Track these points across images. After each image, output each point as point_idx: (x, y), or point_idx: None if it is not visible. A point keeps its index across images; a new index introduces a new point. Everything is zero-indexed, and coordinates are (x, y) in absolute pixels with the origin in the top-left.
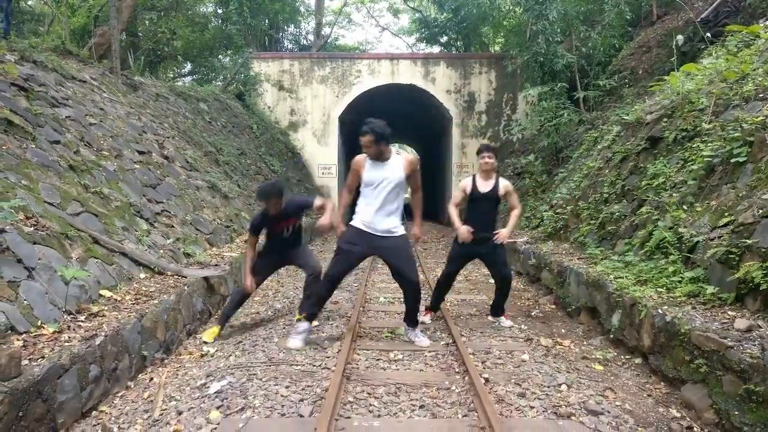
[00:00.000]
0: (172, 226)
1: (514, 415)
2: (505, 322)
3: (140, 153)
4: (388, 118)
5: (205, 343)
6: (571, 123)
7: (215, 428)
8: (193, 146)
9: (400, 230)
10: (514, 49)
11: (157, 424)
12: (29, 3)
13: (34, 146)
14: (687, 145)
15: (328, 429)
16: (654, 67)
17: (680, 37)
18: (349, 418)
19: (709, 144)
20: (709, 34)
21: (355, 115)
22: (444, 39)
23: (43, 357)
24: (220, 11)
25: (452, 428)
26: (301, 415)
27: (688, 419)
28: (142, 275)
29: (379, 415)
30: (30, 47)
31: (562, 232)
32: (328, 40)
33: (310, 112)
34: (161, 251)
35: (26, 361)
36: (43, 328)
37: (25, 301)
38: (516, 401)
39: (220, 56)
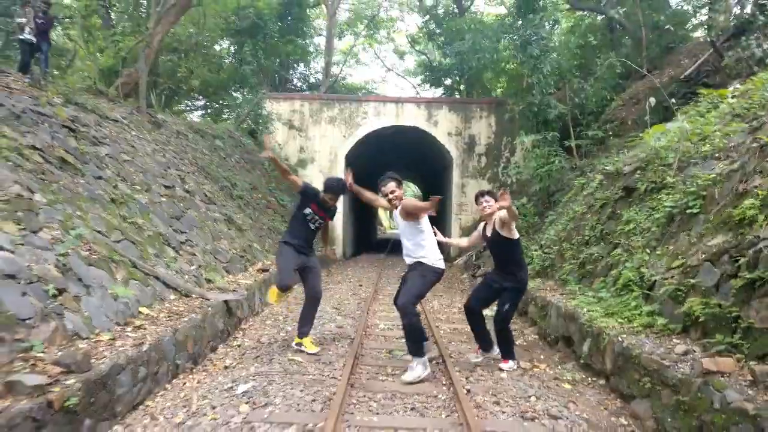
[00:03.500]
0: (195, 255)
1: (488, 417)
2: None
3: (166, 187)
4: (392, 157)
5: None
6: (563, 169)
7: (245, 417)
8: (210, 181)
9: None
10: (512, 97)
11: (196, 414)
12: (52, 37)
13: (83, 181)
14: (655, 196)
15: (336, 421)
16: (642, 118)
17: (652, 99)
18: (352, 414)
19: (670, 196)
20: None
21: (361, 154)
22: (448, 82)
23: (104, 357)
24: (233, 49)
25: (437, 424)
26: (314, 411)
27: (633, 426)
28: (172, 296)
29: (377, 413)
30: (67, 87)
31: (549, 270)
32: (336, 80)
33: (318, 150)
34: (186, 276)
35: (93, 360)
36: (100, 335)
37: (86, 313)
38: (491, 407)
39: (234, 93)
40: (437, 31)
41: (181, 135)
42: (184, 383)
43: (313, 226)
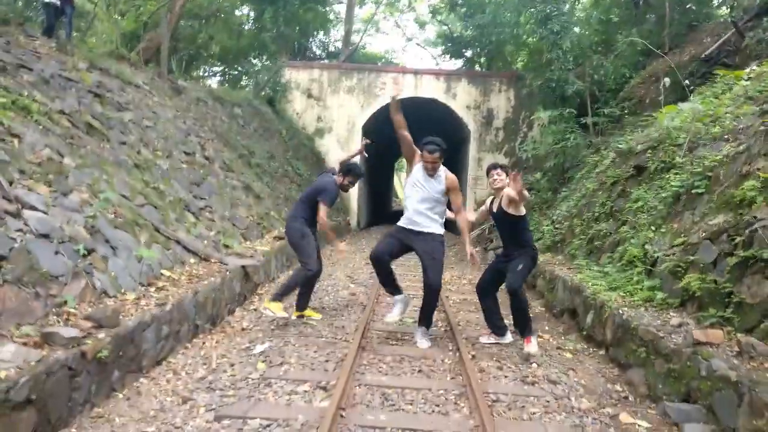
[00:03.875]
0: (213, 221)
1: (491, 381)
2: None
3: (186, 154)
4: (410, 129)
5: (272, 311)
6: (578, 146)
7: (262, 374)
8: (229, 149)
9: None
10: (531, 72)
11: (215, 371)
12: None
13: (108, 146)
14: (664, 176)
15: (347, 379)
16: (659, 97)
17: (667, 80)
18: (363, 374)
19: (678, 175)
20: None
21: (378, 125)
22: (468, 53)
23: (131, 315)
24: (252, 15)
25: (442, 385)
26: (327, 370)
27: (627, 392)
28: (192, 260)
29: (386, 374)
30: (91, 52)
31: (559, 245)
32: (356, 49)
33: (336, 120)
34: (205, 241)
35: (121, 317)
36: (126, 294)
37: (113, 273)
38: (494, 372)
39: (254, 60)
40: (459, 1)
41: (201, 102)
42: (204, 342)
43: None
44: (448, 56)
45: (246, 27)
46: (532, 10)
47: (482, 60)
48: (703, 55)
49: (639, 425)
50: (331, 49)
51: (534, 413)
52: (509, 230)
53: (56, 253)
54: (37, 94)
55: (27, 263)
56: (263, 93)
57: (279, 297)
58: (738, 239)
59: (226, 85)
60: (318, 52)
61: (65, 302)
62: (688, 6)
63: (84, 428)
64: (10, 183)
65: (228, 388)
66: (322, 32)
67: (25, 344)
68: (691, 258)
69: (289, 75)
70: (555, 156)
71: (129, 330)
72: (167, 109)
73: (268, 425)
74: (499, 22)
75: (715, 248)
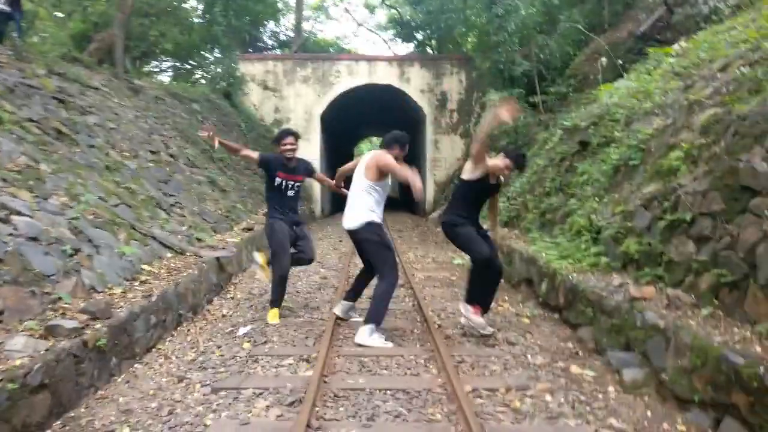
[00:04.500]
0: (184, 216)
1: (456, 345)
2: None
3: (152, 153)
4: (367, 115)
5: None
6: (528, 125)
7: (249, 352)
8: (191, 145)
9: None
10: (479, 55)
11: (204, 353)
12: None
13: (78, 150)
14: (605, 150)
15: (327, 350)
16: (601, 74)
17: (603, 60)
18: (341, 345)
19: (617, 149)
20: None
21: (335, 113)
22: (419, 36)
23: (121, 307)
24: (200, 8)
25: (412, 352)
26: (307, 345)
27: (577, 348)
28: (169, 255)
29: (361, 345)
30: (43, 56)
31: (514, 220)
32: (308, 37)
33: (294, 110)
34: (179, 236)
35: (112, 309)
36: (113, 289)
37: (99, 270)
38: (459, 338)
39: (206, 54)
40: None
41: (159, 100)
42: (189, 330)
43: (292, 193)
44: (399, 40)
45: (197, 21)
46: None
47: (433, 43)
48: (638, 32)
49: (586, 374)
50: (283, 38)
51: (494, 370)
52: (485, 202)
53: (46, 254)
54: (5, 103)
55: (20, 265)
56: (218, 86)
57: (275, 303)
58: (666, 204)
59: (178, 80)
60: (269, 42)
61: (60, 298)
62: None
63: (92, 408)
64: None
65: (219, 366)
66: (272, 22)
67: (31, 336)
68: (630, 224)
69: (244, 68)
70: (507, 135)
71: (121, 320)
72: (128, 110)
73: (261, 393)
74: (447, 7)
75: (649, 214)
